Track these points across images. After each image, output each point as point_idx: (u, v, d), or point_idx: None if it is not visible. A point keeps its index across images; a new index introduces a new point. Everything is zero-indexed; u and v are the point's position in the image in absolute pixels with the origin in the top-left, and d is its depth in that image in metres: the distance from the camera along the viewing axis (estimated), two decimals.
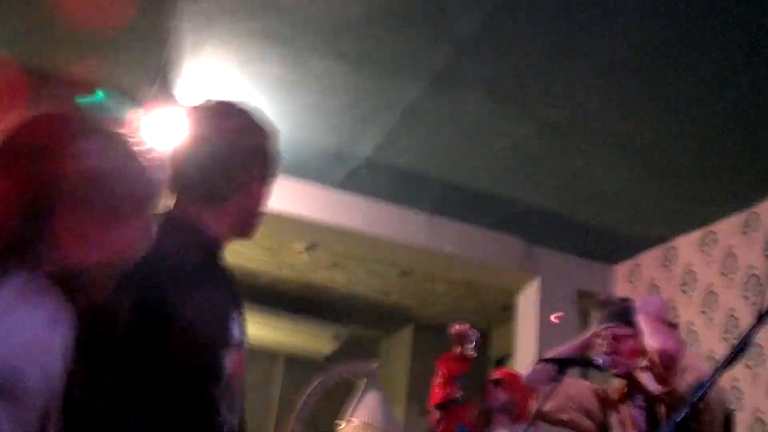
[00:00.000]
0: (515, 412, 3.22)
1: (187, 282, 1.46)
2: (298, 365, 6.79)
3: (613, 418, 2.60)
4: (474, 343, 3.39)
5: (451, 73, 3.40)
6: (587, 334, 2.73)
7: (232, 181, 1.58)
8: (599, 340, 2.63)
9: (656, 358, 2.33)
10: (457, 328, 3.39)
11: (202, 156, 1.57)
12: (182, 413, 1.41)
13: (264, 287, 6.10)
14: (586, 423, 2.68)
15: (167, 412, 1.38)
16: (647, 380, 2.43)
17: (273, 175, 1.67)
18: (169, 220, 1.53)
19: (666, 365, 2.29)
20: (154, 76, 3.50)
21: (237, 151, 1.60)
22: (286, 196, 4.50)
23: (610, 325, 2.61)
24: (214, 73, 3.54)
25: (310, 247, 5.50)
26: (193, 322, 1.43)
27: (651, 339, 2.36)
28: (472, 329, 3.40)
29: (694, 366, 2.28)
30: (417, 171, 4.34)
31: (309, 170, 4.44)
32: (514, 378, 3.31)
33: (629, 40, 3.07)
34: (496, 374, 3.42)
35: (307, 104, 3.76)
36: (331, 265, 5.78)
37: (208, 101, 1.69)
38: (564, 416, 2.69)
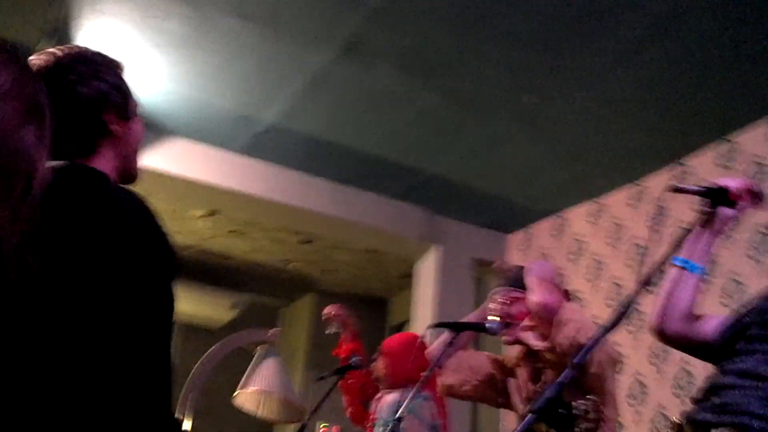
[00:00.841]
0: (395, 379, 3.28)
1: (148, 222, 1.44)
2: (195, 334, 6.71)
3: (511, 384, 2.69)
4: (340, 321, 3.55)
5: (361, 42, 3.41)
6: (486, 303, 2.81)
7: (98, 126, 1.53)
8: (492, 305, 2.72)
9: (535, 312, 2.42)
10: (330, 312, 3.56)
11: (66, 109, 1.51)
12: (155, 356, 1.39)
13: None
14: (489, 392, 2.77)
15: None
16: (531, 338, 2.51)
17: (137, 113, 1.62)
18: (75, 170, 1.47)
19: (544, 318, 2.38)
20: (53, 32, 3.35)
21: (93, 95, 1.53)
22: (186, 160, 4.42)
23: (503, 289, 2.70)
24: (115, 29, 3.42)
25: (211, 213, 5.42)
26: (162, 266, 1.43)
27: (531, 295, 2.45)
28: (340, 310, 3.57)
29: (574, 319, 2.34)
30: (323, 138, 4.34)
31: (211, 134, 4.36)
32: (397, 345, 3.37)
33: (537, 14, 3.14)
34: (383, 344, 3.48)
35: (211, 65, 3.68)
36: (232, 231, 5.72)
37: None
38: (468, 389, 2.77)
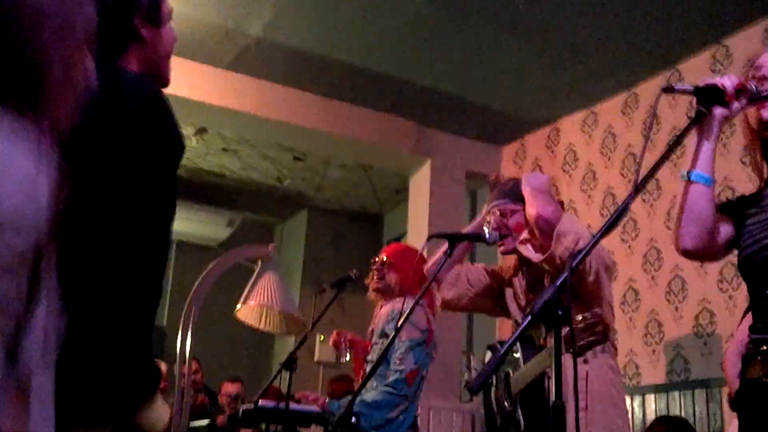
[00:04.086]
0: (399, 287, 3.28)
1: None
2: (189, 251, 6.73)
3: (508, 293, 2.72)
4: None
5: None
6: (481, 215, 2.81)
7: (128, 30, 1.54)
8: (488, 218, 2.71)
9: (533, 225, 2.42)
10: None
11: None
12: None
13: None
14: (487, 303, 2.80)
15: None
16: (529, 251, 2.52)
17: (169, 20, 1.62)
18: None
19: (542, 230, 2.38)
20: None
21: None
22: (172, 77, 4.33)
23: (499, 202, 2.70)
24: None
25: (200, 131, 5.35)
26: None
27: (530, 207, 2.44)
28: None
29: (572, 231, 2.35)
30: (309, 51, 4.24)
31: (196, 50, 4.25)
32: (401, 255, 3.36)
33: None
34: (383, 253, 3.47)
35: None
36: (222, 149, 5.66)
37: None
38: (466, 302, 2.80)
